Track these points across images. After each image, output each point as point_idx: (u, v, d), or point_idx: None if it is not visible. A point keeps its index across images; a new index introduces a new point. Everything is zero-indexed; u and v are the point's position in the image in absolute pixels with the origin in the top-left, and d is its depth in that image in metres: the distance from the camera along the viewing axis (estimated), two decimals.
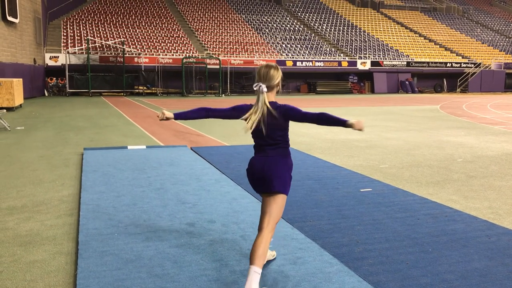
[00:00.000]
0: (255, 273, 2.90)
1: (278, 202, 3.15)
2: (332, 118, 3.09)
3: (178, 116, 3.29)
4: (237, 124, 13.42)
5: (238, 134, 11.27)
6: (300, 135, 10.90)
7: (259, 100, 3.15)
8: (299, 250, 3.76)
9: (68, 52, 29.21)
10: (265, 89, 3.15)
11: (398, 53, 39.45)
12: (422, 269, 3.42)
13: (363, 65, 36.66)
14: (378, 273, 3.35)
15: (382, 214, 4.73)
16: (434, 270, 3.40)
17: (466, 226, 4.39)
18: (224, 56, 33.30)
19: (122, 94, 30.14)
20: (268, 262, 3.51)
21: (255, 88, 3.16)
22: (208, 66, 31.52)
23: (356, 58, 36.93)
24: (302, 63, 34.82)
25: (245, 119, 3.19)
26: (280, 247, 3.81)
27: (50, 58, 29.37)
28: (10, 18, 22.19)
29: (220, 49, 34.73)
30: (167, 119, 3.27)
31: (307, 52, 36.53)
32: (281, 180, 3.15)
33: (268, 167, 3.17)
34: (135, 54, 31.25)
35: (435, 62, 38.92)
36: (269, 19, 42.24)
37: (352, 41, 40.61)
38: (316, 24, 43.12)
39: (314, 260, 3.55)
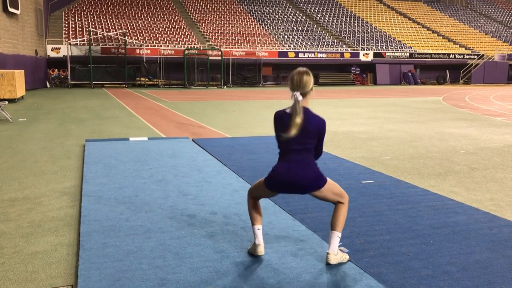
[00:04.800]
0: (337, 237, 3.35)
1: (329, 189, 3.32)
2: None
3: None
4: (239, 116, 13.40)
5: (240, 126, 11.25)
6: None
7: (296, 109, 3.14)
8: (300, 241, 3.76)
9: (70, 44, 29.15)
10: (300, 98, 3.15)
11: (401, 44, 39.25)
12: (423, 261, 3.42)
13: (366, 56, 36.50)
14: (379, 265, 3.35)
15: (383, 206, 4.72)
16: (435, 262, 3.40)
17: (467, 218, 4.39)
18: (226, 48, 33.18)
19: (124, 85, 30.11)
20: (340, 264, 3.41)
21: (291, 99, 3.18)
22: (210, 58, 31.43)
23: (358, 50, 36.76)
24: (304, 55, 34.68)
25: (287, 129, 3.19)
26: (281, 238, 3.81)
27: (51, 50, 29.33)
28: (11, 9, 22.13)
29: (222, 40, 34.59)
30: None
31: (309, 43, 36.37)
32: (316, 177, 3.25)
33: (294, 173, 3.22)
34: (137, 45, 31.17)
35: (438, 54, 38.71)
36: (271, 10, 42.03)
37: (355, 32, 40.41)
38: (319, 15, 42.90)
39: (315, 252, 3.56)
